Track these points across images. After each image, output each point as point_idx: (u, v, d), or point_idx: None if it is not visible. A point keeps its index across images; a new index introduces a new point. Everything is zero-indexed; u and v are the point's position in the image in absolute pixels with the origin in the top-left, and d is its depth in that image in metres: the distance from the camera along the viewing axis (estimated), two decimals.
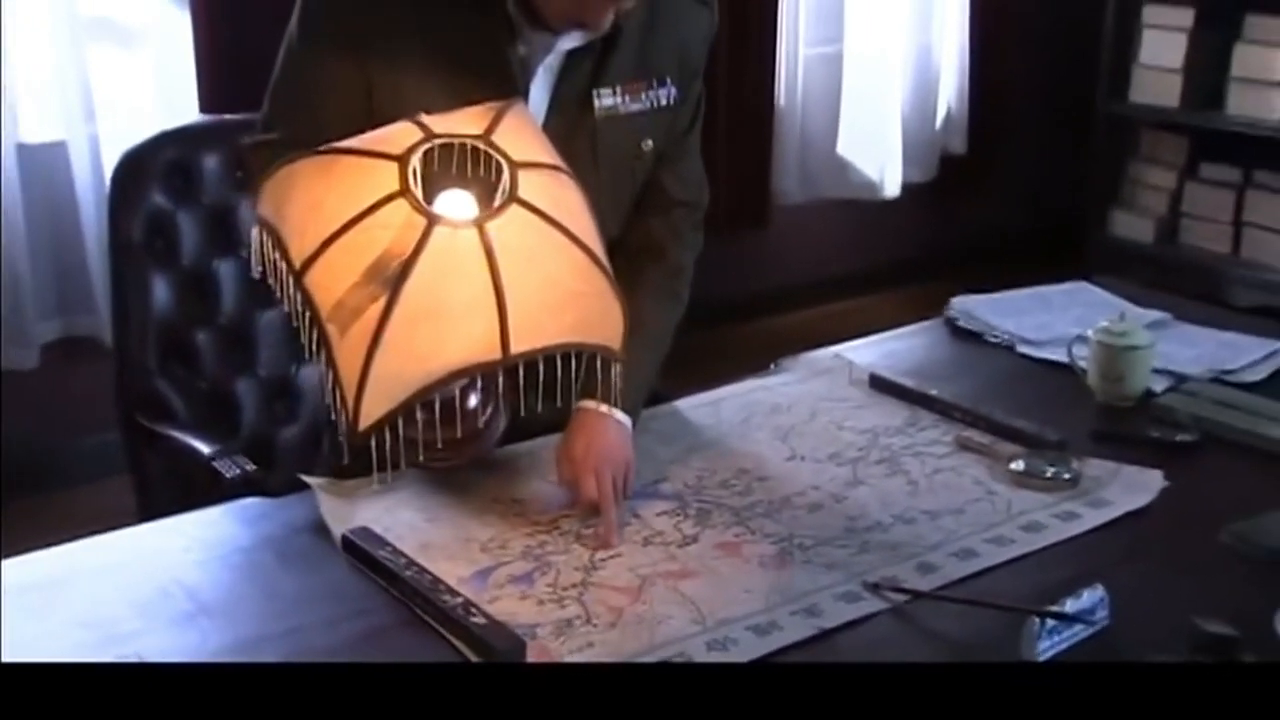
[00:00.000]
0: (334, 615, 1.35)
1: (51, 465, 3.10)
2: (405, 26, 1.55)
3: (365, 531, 1.47)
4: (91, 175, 3.02)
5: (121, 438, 2.07)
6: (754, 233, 3.97)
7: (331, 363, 1.39)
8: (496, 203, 1.40)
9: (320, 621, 1.34)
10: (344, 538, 1.47)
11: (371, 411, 1.38)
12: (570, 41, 1.59)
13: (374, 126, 1.48)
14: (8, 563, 1.43)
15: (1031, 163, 4.68)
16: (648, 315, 1.67)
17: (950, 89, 4.42)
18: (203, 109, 3.05)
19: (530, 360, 1.42)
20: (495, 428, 1.58)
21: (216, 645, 1.31)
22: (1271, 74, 4.05)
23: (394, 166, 1.39)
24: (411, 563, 1.41)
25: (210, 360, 2.11)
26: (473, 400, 1.54)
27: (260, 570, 1.45)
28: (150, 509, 1.92)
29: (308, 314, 1.39)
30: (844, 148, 4.22)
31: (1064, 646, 1.29)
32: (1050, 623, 1.28)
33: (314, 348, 1.40)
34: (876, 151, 4.25)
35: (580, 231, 1.45)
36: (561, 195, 1.46)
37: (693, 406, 1.83)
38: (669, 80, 1.69)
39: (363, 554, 1.43)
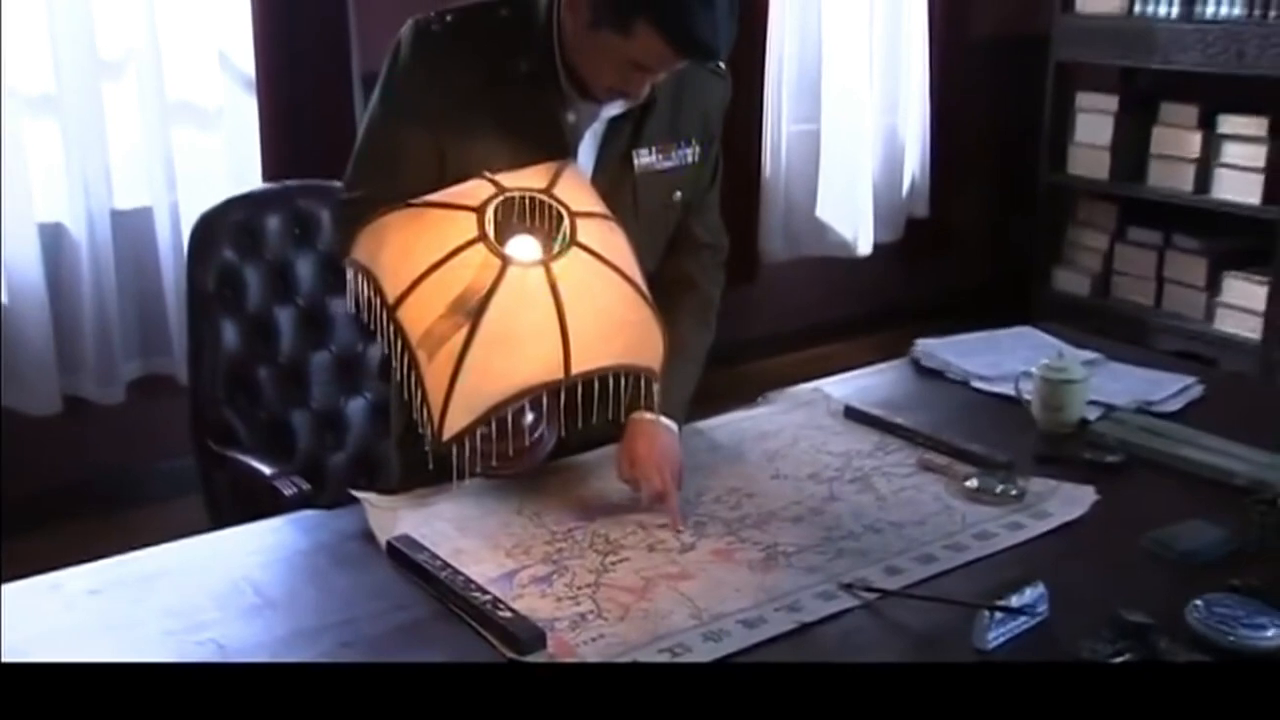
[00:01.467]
0: (380, 609, 1.36)
1: (135, 485, 3.10)
2: (472, 100, 1.57)
3: (407, 539, 1.48)
4: (171, 236, 3.03)
5: (195, 460, 2.08)
6: (744, 287, 3.96)
7: (420, 383, 1.40)
8: (557, 246, 1.43)
9: (368, 614, 1.35)
10: (388, 544, 1.48)
11: (454, 424, 1.40)
12: (613, 109, 1.62)
13: (444, 184, 1.50)
14: (110, 560, 1.44)
15: (985, 226, 4.69)
16: (686, 339, 1.70)
17: (914, 162, 4.42)
18: (265, 177, 3.06)
19: (586, 381, 1.43)
20: (546, 443, 1.59)
21: (281, 633, 1.31)
22: (1184, 152, 4.07)
23: (473, 216, 1.41)
24: (446, 565, 1.42)
25: (270, 394, 2.12)
26: (528, 419, 1.55)
27: (317, 571, 1.46)
28: (219, 522, 1.92)
29: (400, 343, 1.41)
30: (822, 212, 4.22)
31: (1010, 635, 1.30)
32: (998, 615, 1.29)
33: (405, 371, 1.42)
34: (851, 215, 4.25)
35: (628, 270, 1.47)
36: (611, 239, 1.48)
37: (691, 434, 1.82)
38: (694, 141, 1.71)
39: (405, 558, 1.44)
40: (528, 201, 1.47)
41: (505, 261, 1.38)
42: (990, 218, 4.71)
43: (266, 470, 1.94)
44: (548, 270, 1.39)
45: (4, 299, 2.85)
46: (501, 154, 1.55)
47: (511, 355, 1.39)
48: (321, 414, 2.17)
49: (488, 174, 1.48)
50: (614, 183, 1.63)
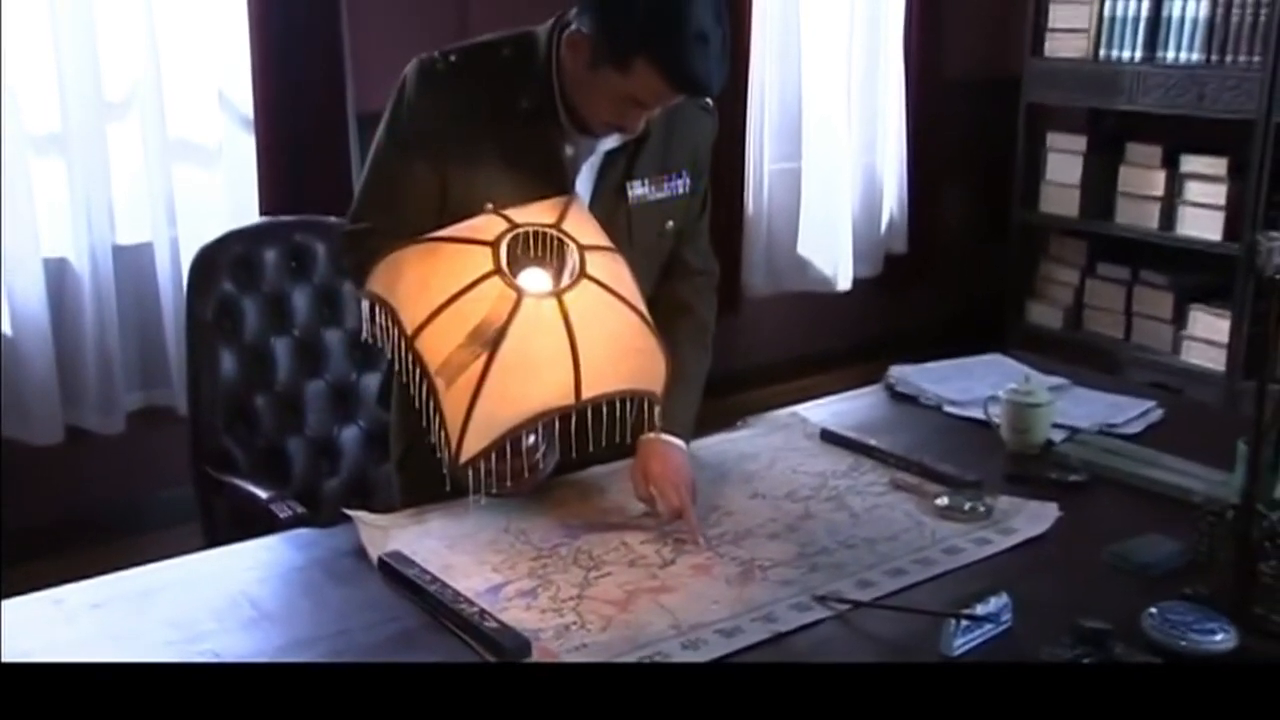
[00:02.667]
0: (372, 620, 1.38)
1: (134, 514, 3.10)
2: (475, 134, 1.61)
3: (398, 554, 1.51)
4: (171, 271, 3.04)
5: (193, 485, 2.10)
6: (727, 320, 3.97)
7: (439, 409, 1.43)
8: (566, 278, 1.47)
9: (361, 625, 1.37)
10: (380, 560, 1.50)
11: (471, 448, 1.42)
12: (609, 143, 1.66)
13: (446, 216, 1.54)
14: (111, 576, 1.47)
15: (960, 261, 4.71)
16: (687, 362, 1.75)
17: (892, 200, 4.45)
18: (262, 213, 3.08)
19: (594, 405, 1.46)
20: (548, 464, 1.62)
21: (277, 644, 1.34)
22: (1149, 190, 4.13)
23: (488, 250, 1.45)
24: (436, 579, 1.44)
25: (267, 421, 2.15)
26: (530, 440, 1.58)
27: (311, 585, 1.48)
28: (217, 545, 1.95)
29: (418, 370, 1.44)
30: (803, 248, 4.25)
31: (976, 643, 1.33)
32: (964, 623, 1.32)
33: (424, 398, 1.44)
34: (831, 251, 4.28)
35: (633, 299, 1.51)
36: (617, 271, 1.52)
37: None
38: (684, 173, 1.76)
39: (396, 573, 1.47)
40: (536, 235, 1.50)
41: (520, 294, 1.42)
42: (966, 254, 4.75)
43: (263, 494, 1.96)
44: (560, 301, 1.43)
45: (9, 331, 2.87)
46: (503, 187, 1.59)
47: (526, 382, 1.42)
48: (316, 441, 2.20)
49: (498, 210, 1.51)
50: (609, 213, 1.67)
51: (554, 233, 1.50)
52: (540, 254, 1.51)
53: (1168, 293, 4.17)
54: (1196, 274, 4.11)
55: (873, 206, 4.43)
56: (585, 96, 1.58)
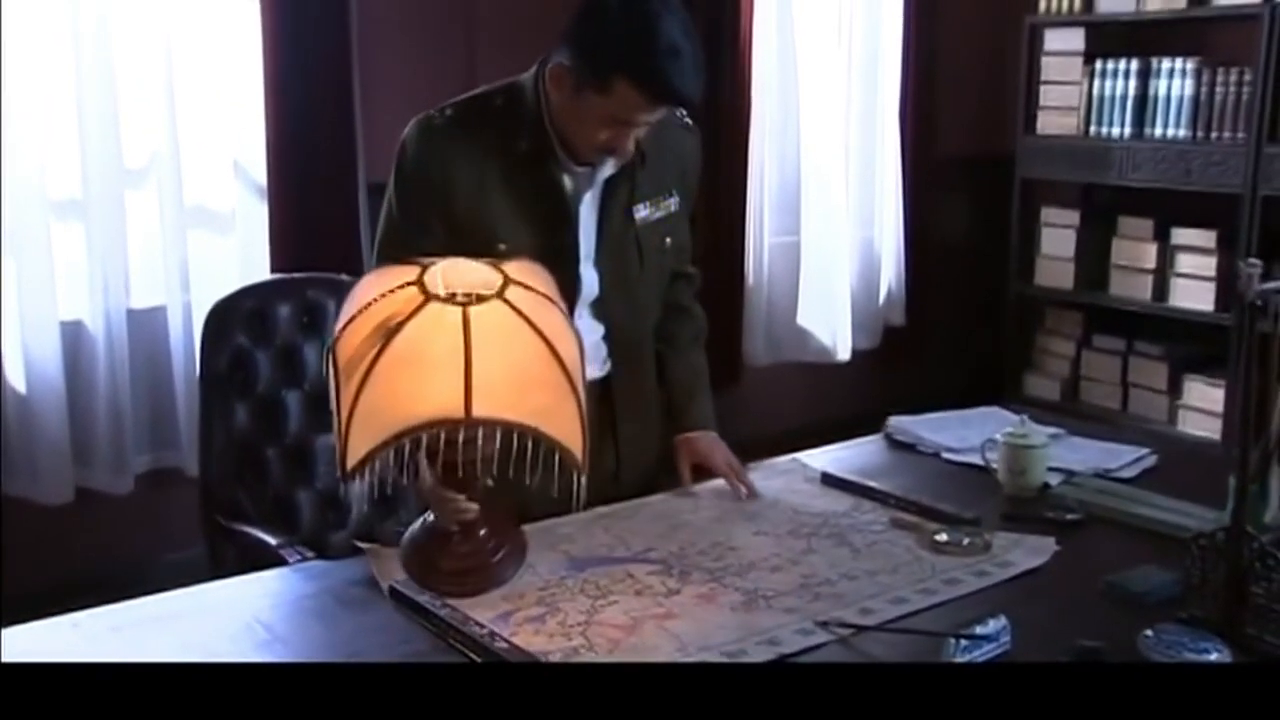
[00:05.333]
0: (383, 643, 1.41)
1: (141, 575, 3.09)
2: (478, 180, 1.70)
3: (408, 583, 1.53)
4: (183, 334, 3.10)
5: (204, 532, 2.12)
6: (728, 389, 4.03)
7: (338, 406, 1.43)
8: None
9: (372, 647, 1.39)
10: (391, 588, 1.53)
11: (357, 448, 1.40)
12: (606, 171, 1.75)
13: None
14: (126, 604, 1.51)
15: (958, 334, 4.77)
16: (697, 364, 2.02)
17: (890, 273, 4.53)
18: (273, 269, 3.16)
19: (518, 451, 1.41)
20: (508, 564, 1.58)
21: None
22: (1142, 263, 4.22)
23: (416, 269, 1.47)
24: (445, 604, 1.47)
25: (277, 472, 2.17)
26: (482, 533, 1.56)
27: (323, 611, 1.50)
28: None
29: (334, 378, 1.43)
30: (803, 319, 4.32)
31: (975, 662, 1.34)
32: (964, 643, 1.34)
33: (336, 403, 1.42)
34: (830, 323, 4.34)
35: (554, 338, 1.46)
36: (544, 314, 1.48)
37: (676, 497, 1.89)
38: (675, 191, 1.87)
39: (406, 599, 1.49)
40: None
41: (428, 298, 1.43)
42: (963, 326, 4.81)
43: (273, 540, 1.98)
44: (464, 311, 1.42)
45: (24, 391, 2.91)
46: (510, 226, 1.66)
47: (416, 380, 1.40)
48: (325, 493, 2.22)
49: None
50: (620, 237, 1.76)
51: (488, 265, 1.49)
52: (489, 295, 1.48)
53: (1162, 363, 4.22)
54: (1190, 344, 4.17)
55: (871, 279, 4.51)
56: (574, 124, 1.67)
